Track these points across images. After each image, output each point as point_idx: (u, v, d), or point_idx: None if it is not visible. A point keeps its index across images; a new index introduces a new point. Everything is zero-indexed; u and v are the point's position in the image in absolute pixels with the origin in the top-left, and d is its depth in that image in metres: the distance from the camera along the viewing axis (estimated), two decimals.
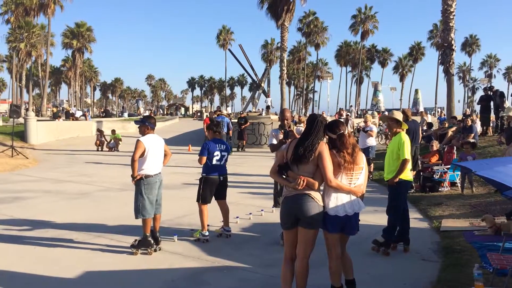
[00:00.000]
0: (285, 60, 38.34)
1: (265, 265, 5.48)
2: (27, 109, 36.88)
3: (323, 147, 3.93)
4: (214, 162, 6.44)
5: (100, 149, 21.09)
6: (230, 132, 18.58)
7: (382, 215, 6.34)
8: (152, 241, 5.88)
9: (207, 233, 6.42)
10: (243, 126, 21.09)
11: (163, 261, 5.59)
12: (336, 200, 3.98)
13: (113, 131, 21.77)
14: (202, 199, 6.46)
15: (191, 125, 35.81)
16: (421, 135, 10.98)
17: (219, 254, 5.86)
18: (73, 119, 32.34)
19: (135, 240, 5.93)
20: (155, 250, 5.92)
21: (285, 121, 6.16)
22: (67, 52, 68.94)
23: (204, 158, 6.42)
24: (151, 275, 5.16)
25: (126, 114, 58.55)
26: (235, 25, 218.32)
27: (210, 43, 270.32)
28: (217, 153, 6.45)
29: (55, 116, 35.64)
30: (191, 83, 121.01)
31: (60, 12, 53.09)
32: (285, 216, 4.03)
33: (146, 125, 6.01)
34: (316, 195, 3.94)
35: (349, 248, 4.41)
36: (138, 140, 5.84)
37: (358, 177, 4.08)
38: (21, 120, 24.53)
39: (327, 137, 4.13)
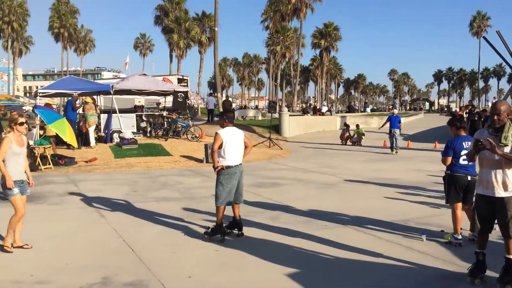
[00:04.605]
0: None
1: None
2: (281, 106, 41.06)
3: None
4: (461, 161, 5.84)
5: (344, 143, 21.88)
6: None
7: None
8: (226, 230, 6.20)
9: (460, 237, 5.91)
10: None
11: (413, 260, 5.40)
12: None
13: (357, 126, 22.31)
14: (451, 199, 5.98)
15: (437, 121, 33.69)
16: None
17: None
18: (319, 114, 34.48)
19: (208, 227, 6.29)
20: (238, 236, 6.27)
21: (495, 117, 4.53)
22: (315, 51, 74.13)
23: (449, 159, 5.89)
24: (401, 271, 5.05)
25: (368, 109, 58.92)
26: (491, 10, 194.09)
27: (461, 32, 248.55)
28: (464, 152, 5.78)
29: (304, 112, 38.67)
30: (438, 76, 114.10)
31: (311, 14, 57.04)
32: None
33: (224, 118, 6.32)
34: None
35: None
36: (216, 133, 6.15)
37: None
38: (276, 115, 27.54)
39: None
